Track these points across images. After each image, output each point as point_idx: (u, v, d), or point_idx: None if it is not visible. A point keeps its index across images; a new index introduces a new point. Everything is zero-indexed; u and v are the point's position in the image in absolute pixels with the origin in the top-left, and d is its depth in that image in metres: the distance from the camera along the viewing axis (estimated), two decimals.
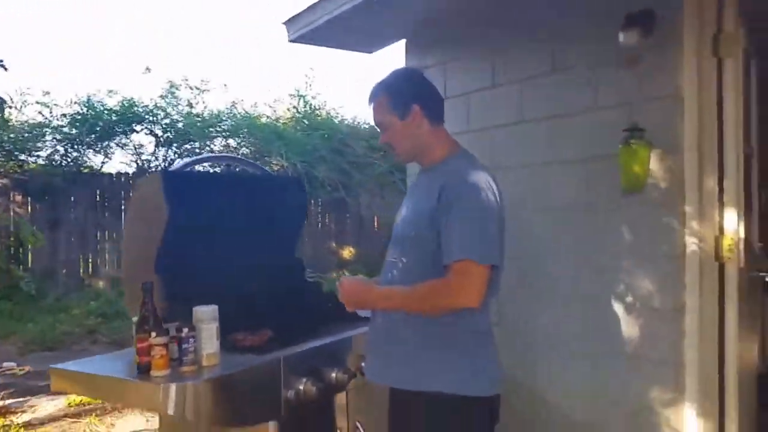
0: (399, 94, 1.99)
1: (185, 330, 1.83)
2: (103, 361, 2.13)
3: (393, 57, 15.01)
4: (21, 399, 5.19)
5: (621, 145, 2.53)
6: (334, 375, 2.15)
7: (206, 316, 1.90)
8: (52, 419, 4.71)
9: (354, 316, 2.47)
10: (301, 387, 2.03)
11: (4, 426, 4.48)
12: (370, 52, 4.13)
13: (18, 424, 4.54)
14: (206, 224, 2.28)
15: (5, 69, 4.05)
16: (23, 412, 4.88)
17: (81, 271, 9.50)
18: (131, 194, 2.06)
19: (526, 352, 2.92)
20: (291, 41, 3.85)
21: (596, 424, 2.72)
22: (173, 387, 1.72)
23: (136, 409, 4.62)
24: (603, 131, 2.69)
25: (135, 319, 1.91)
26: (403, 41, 3.73)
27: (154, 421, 4.68)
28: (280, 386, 1.97)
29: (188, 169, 2.61)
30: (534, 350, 2.90)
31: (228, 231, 2.37)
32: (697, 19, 2.50)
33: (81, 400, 5.07)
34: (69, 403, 5.02)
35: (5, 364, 6.19)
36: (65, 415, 4.78)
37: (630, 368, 2.61)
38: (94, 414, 4.76)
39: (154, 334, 1.78)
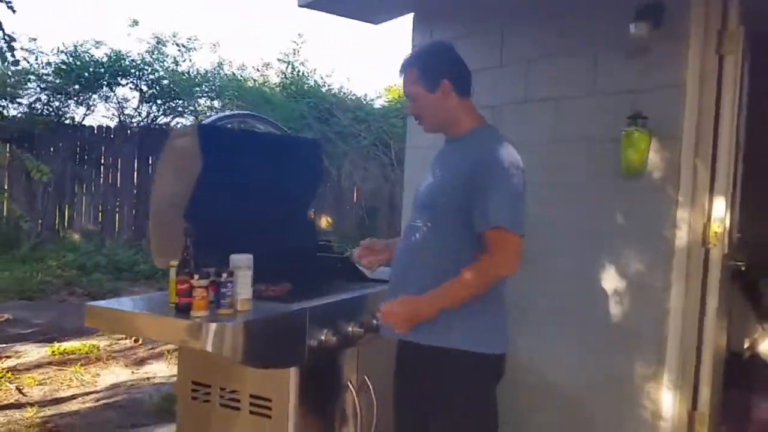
0: (430, 68, 2.07)
1: (224, 275, 1.94)
2: (132, 302, 2.22)
3: (395, 30, 15.07)
4: (4, 345, 5.21)
5: (624, 130, 2.68)
6: (350, 329, 2.29)
7: (243, 263, 2.01)
8: (37, 366, 4.74)
9: (363, 276, 2.63)
10: (323, 337, 2.16)
11: None
12: (376, 23, 4.12)
13: (3, 368, 4.58)
14: (234, 178, 2.38)
15: (13, 11, 4.00)
16: (8, 357, 4.91)
17: (57, 222, 9.43)
18: (165, 143, 2.11)
19: (518, 319, 3.07)
20: (300, 6, 3.86)
21: (581, 392, 2.89)
22: (213, 326, 1.83)
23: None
24: (606, 116, 2.82)
25: (173, 263, 2.01)
26: (410, 15, 3.74)
27: (139, 373, 4.78)
28: (305, 334, 2.09)
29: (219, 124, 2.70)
30: (525, 318, 3.05)
31: (253, 186, 2.46)
32: (703, 14, 2.63)
33: (65, 349, 5.12)
34: (53, 352, 5.06)
35: None
36: (50, 363, 4.82)
37: (616, 342, 2.78)
38: (79, 363, 4.82)
39: (197, 276, 1.88)
